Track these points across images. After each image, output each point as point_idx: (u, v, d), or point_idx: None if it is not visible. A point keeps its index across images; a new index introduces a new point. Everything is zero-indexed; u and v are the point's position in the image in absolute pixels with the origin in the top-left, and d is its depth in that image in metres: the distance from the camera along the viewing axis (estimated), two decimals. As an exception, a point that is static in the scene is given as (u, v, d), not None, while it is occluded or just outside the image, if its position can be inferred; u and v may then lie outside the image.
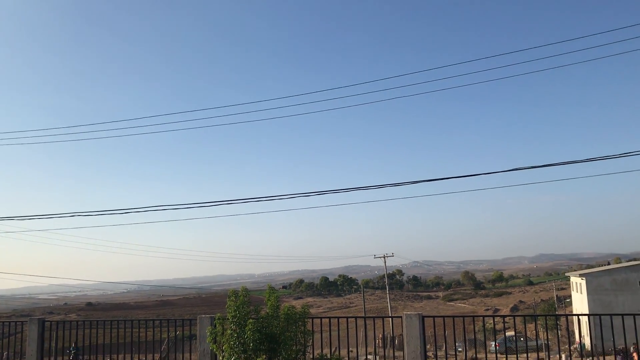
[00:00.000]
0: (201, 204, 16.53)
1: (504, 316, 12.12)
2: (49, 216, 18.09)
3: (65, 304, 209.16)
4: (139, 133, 23.73)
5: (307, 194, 15.69)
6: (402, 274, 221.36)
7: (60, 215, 17.91)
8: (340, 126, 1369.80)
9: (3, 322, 15.30)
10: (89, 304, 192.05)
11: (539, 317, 44.79)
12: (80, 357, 23.15)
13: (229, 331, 9.63)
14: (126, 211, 17.26)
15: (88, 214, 17.80)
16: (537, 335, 15.33)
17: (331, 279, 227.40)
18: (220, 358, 10.03)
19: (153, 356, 17.09)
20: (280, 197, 15.74)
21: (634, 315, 10.08)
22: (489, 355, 32.52)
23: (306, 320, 10.24)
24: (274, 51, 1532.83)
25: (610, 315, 10.10)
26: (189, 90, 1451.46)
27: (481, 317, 20.25)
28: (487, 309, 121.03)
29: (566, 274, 76.61)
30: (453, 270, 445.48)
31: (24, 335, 13.72)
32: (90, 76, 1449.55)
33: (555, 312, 76.16)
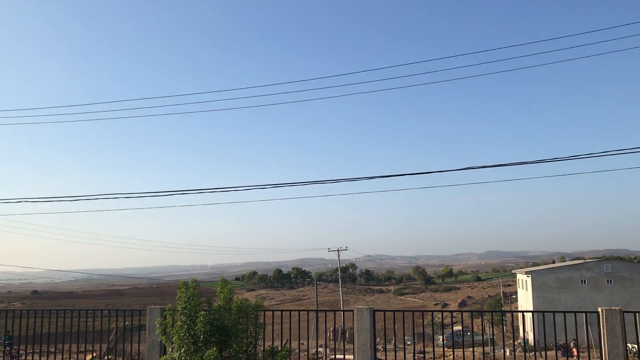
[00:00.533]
0: (154, 194, 16.30)
1: (452, 311, 12.47)
2: (-6, 201, 17.46)
3: (9, 292, 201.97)
4: (94, 119, 23.13)
5: (262, 186, 15.65)
6: (355, 268, 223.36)
7: (6, 201, 17.32)
8: (311, 117, 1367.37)
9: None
10: (35, 292, 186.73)
11: (486, 313, 46.17)
12: (15, 347, 22.23)
13: (179, 323, 9.53)
14: (76, 198, 16.85)
15: (36, 199, 17.30)
16: (483, 330, 15.78)
17: (285, 271, 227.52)
18: (170, 349, 9.93)
19: (100, 346, 16.76)
20: (234, 188, 15.65)
21: (574, 312, 10.56)
22: (436, 348, 33.25)
23: (259, 312, 10.24)
24: (272, 38, 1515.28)
25: (553, 312, 10.51)
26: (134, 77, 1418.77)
27: (430, 312, 20.63)
28: (437, 304, 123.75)
29: (513, 271, 79.00)
30: (405, 265, 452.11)
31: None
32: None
33: (502, 308, 78.53)
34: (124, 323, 14.67)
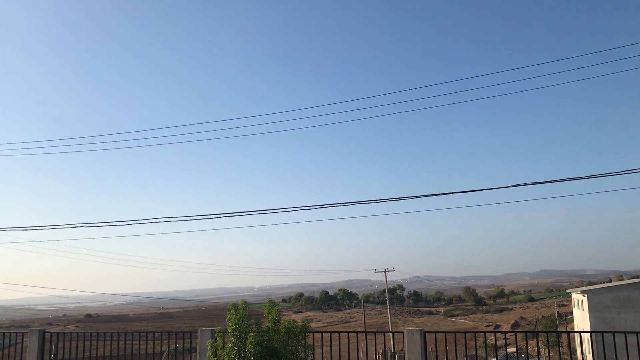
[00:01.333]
0: (202, 216, 16.56)
1: (505, 332, 12.10)
2: (52, 227, 18.11)
3: (64, 315, 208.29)
4: (141, 145, 23.83)
5: (308, 207, 15.71)
6: (403, 289, 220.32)
7: (62, 227, 17.94)
8: (347, 138, 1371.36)
9: (3, 332, 15.26)
10: (88, 315, 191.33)
11: (540, 334, 44.59)
12: None
13: (229, 344, 9.61)
14: (127, 223, 17.28)
15: (89, 225, 17.84)
16: (538, 352, 15.23)
17: (331, 293, 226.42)
18: (221, 371, 10.00)
19: (152, 369, 17.01)
20: (281, 209, 15.77)
21: (636, 333, 10.04)
22: (489, 371, 32.31)
23: (307, 334, 10.23)
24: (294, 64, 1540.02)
25: (613, 332, 10.06)
26: (189, 100, 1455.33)
27: (482, 333, 20.16)
28: (488, 325, 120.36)
29: (567, 291, 76.29)
30: (454, 286, 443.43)
31: (24, 346, 13.68)
32: (93, 87, 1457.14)
33: (557, 329, 75.77)
34: (175, 345, 14.86)
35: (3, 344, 16.42)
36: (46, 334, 13.75)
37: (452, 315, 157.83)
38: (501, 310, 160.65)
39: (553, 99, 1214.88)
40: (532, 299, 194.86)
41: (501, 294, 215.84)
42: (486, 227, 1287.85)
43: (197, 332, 11.97)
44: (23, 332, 14.10)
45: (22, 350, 13.99)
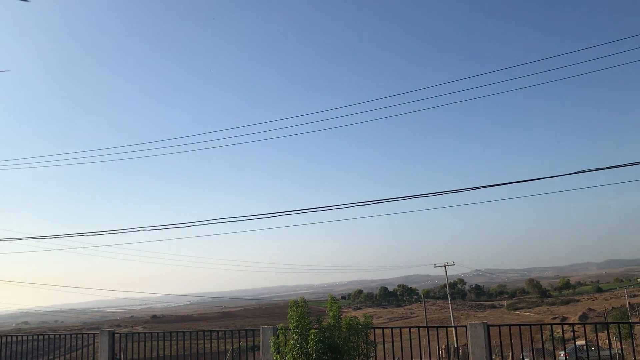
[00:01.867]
0: (259, 216, 16.75)
1: (573, 324, 11.69)
2: (116, 231, 18.75)
3: (132, 316, 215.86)
4: (195, 149, 24.34)
5: (364, 203, 15.61)
6: (464, 283, 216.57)
7: (127, 230, 18.54)
8: (402, 132, 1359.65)
9: (76, 334, 15.95)
10: (154, 316, 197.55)
11: (611, 325, 42.72)
12: None
13: (291, 341, 9.67)
14: (189, 224, 17.69)
15: (153, 227, 18.36)
16: (609, 344, 14.60)
17: (390, 289, 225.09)
18: (284, 368, 10.07)
19: (218, 367, 17.35)
20: (337, 206, 15.75)
21: None
22: (558, 365, 31.30)
23: (369, 330, 10.18)
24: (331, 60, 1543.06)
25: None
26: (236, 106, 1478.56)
27: (548, 326, 19.49)
28: (555, 318, 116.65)
29: (639, 280, 72.97)
30: (517, 278, 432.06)
31: (95, 347, 14.23)
32: (151, 96, 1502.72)
33: (629, 320, 72.45)
34: (239, 344, 15.11)
35: (77, 345, 17.17)
36: (115, 334, 14.27)
37: (516, 308, 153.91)
38: (567, 302, 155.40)
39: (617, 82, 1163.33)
40: (600, 290, 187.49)
41: (567, 285, 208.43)
42: (548, 217, 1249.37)
43: (259, 330, 12.13)
44: (94, 334, 14.68)
45: (94, 350, 14.57)
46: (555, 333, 55.91)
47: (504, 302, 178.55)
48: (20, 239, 21.33)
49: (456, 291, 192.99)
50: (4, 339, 15.79)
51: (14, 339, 16.40)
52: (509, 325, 11.72)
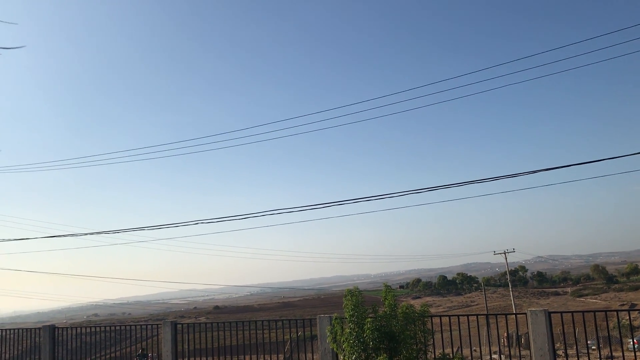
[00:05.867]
0: (313, 206, 16.84)
1: (642, 311, 11.24)
2: (175, 225, 19.29)
3: (195, 308, 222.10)
4: (248, 142, 24.65)
5: (418, 191, 15.43)
6: (526, 270, 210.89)
7: (185, 224, 19.05)
8: (448, 120, 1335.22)
9: (141, 325, 16.62)
10: (216, 307, 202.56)
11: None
12: None
13: (347, 330, 9.71)
14: (245, 216, 17.99)
15: (210, 220, 18.78)
16: (683, 332, 13.85)
17: (449, 277, 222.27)
18: (342, 357, 10.12)
19: (277, 356, 17.66)
20: (392, 195, 15.64)
21: None
22: (627, 353, 30.05)
23: (426, 319, 10.09)
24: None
25: None
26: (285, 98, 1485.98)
27: (615, 312, 18.68)
28: (623, 304, 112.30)
29: None
30: (581, 265, 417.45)
31: (160, 337, 14.75)
32: (199, 95, 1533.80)
33: None
34: (297, 333, 15.31)
35: (144, 335, 17.85)
36: (177, 325, 14.72)
37: (581, 295, 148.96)
38: (636, 288, 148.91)
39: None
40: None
41: (635, 270, 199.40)
42: (613, 200, 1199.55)
43: (316, 319, 12.24)
44: (158, 325, 15.21)
45: (159, 341, 15.10)
46: (623, 320, 53.69)
47: (568, 289, 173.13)
48: (86, 234, 22.25)
49: (517, 278, 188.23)
50: (75, 331, 16.60)
51: (85, 330, 17.26)
52: (572, 312, 11.34)
